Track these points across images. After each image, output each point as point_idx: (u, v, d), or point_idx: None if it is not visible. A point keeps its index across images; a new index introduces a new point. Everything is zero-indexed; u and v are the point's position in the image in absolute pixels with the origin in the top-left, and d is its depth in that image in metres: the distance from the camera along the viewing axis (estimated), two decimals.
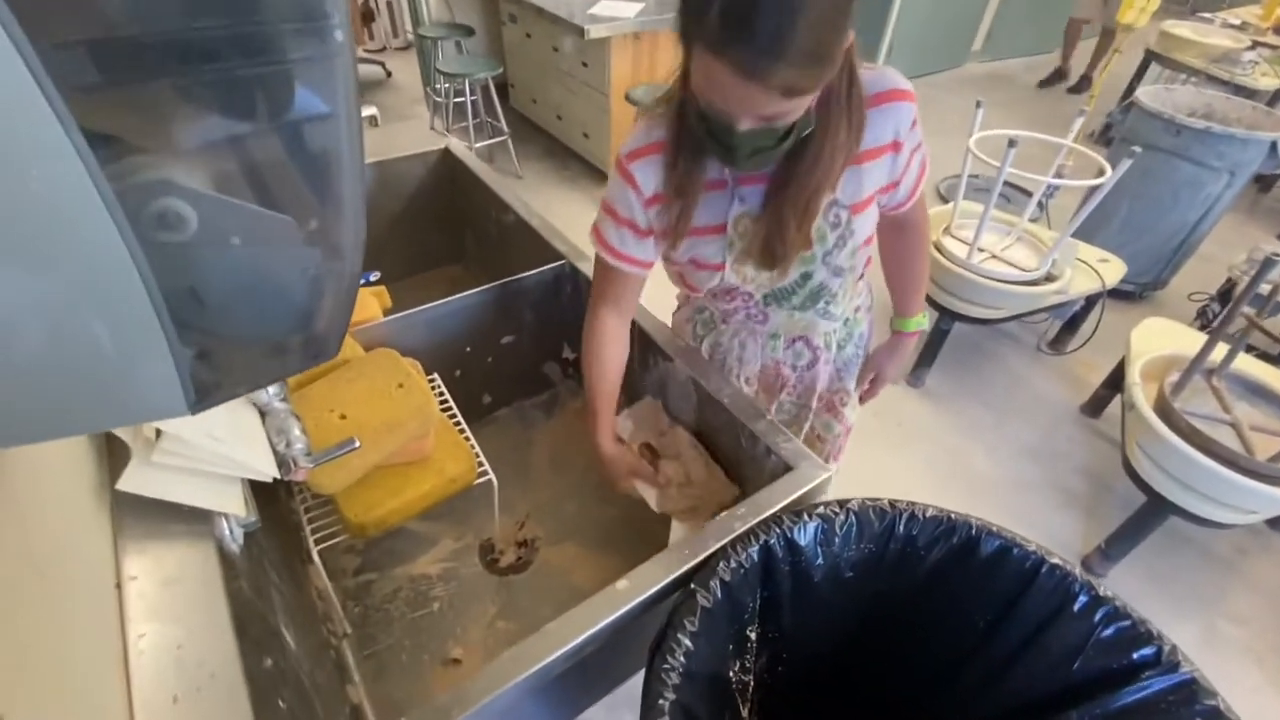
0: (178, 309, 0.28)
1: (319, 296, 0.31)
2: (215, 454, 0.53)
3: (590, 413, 0.97)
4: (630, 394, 1.23)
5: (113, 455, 0.56)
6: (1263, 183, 3.72)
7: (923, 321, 1.11)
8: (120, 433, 0.52)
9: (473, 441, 0.98)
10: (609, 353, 0.95)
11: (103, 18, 0.21)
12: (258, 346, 0.32)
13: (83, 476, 0.51)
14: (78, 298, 0.25)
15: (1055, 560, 0.73)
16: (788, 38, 0.56)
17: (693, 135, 0.75)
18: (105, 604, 0.46)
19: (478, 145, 3.35)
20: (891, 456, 2.08)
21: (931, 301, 2.14)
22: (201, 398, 0.30)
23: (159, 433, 0.52)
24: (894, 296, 1.09)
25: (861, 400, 1.20)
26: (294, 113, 0.26)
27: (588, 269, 1.19)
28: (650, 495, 1.01)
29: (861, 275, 0.98)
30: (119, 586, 0.47)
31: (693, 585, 0.69)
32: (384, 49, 4.98)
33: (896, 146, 0.80)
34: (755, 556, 0.73)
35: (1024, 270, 1.98)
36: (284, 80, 0.25)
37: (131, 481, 0.49)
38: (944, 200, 3.41)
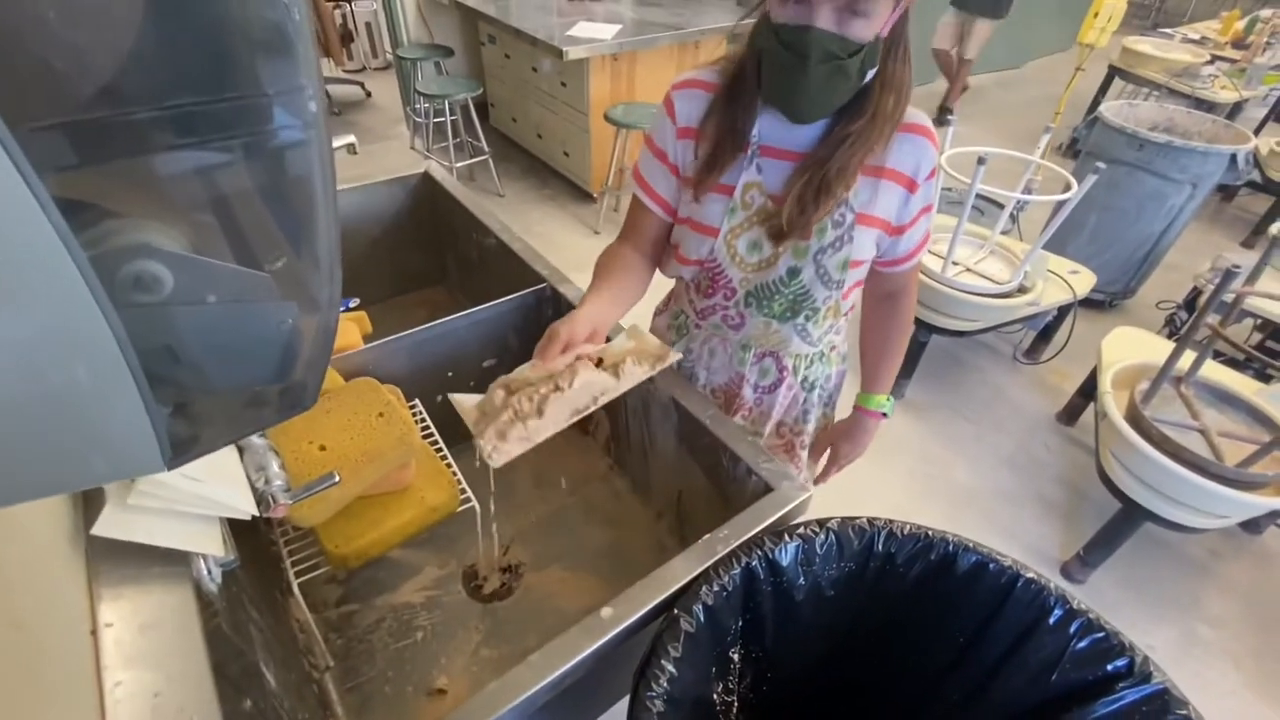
0: (153, 366, 0.28)
1: (296, 349, 0.31)
2: (192, 494, 0.53)
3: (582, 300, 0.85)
4: (611, 411, 1.23)
5: (88, 500, 0.55)
6: (1225, 192, 3.84)
7: (886, 405, 1.07)
8: None
9: (455, 469, 0.98)
10: (621, 265, 0.91)
11: (78, 101, 0.21)
12: (235, 400, 0.32)
13: (57, 522, 0.50)
14: (51, 360, 0.26)
15: (1030, 574, 0.75)
16: None
17: (746, 86, 0.79)
18: (81, 653, 0.45)
19: (459, 165, 3.36)
20: (873, 470, 2.10)
21: None
22: (179, 453, 0.30)
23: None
24: (864, 369, 1.08)
25: (817, 480, 1.18)
26: (269, 178, 0.27)
27: (569, 291, 1.20)
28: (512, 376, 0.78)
29: (845, 314, 0.98)
30: (94, 634, 0.46)
31: (676, 610, 0.70)
32: (363, 69, 4.99)
33: (912, 185, 0.83)
34: (738, 579, 0.74)
35: (997, 283, 2.03)
36: (259, 149, 0.26)
37: (107, 526, 0.48)
38: None
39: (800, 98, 0.74)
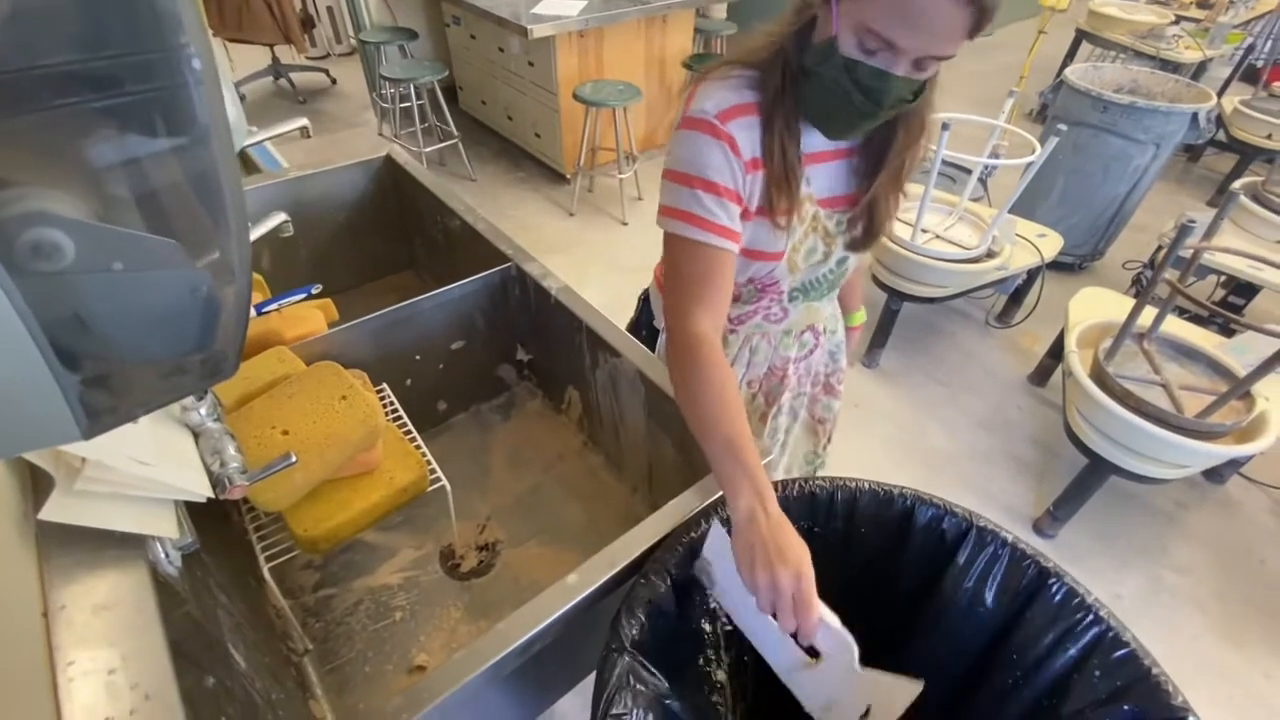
0: (62, 337, 0.28)
1: (211, 316, 0.32)
2: (142, 478, 0.53)
3: (731, 470, 0.65)
4: (583, 388, 1.24)
5: (37, 485, 0.55)
6: (1191, 152, 3.89)
7: (863, 317, 1.21)
8: (42, 461, 0.51)
9: (424, 449, 0.98)
10: (728, 377, 0.70)
11: None
12: (153, 369, 0.32)
13: (3, 507, 0.50)
14: None
15: (983, 523, 0.77)
16: None
17: (786, 101, 0.72)
18: (32, 634, 0.45)
19: (428, 150, 3.32)
20: (851, 438, 2.13)
21: (879, 283, 2.20)
22: (95, 422, 0.30)
23: (84, 460, 0.52)
24: (840, 299, 1.15)
25: None
26: (161, 140, 0.27)
27: (534, 269, 1.20)
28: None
29: None
30: (46, 616, 0.47)
31: (640, 577, 0.71)
32: (327, 56, 4.88)
33: None
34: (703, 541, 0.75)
35: (966, 248, 2.05)
36: (146, 109, 0.26)
37: (54, 511, 0.48)
38: None
39: (854, 129, 0.72)
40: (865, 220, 0.83)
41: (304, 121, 1.08)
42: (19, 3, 0.24)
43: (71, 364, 0.29)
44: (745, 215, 0.78)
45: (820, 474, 1.31)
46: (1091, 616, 0.69)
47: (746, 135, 0.73)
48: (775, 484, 0.80)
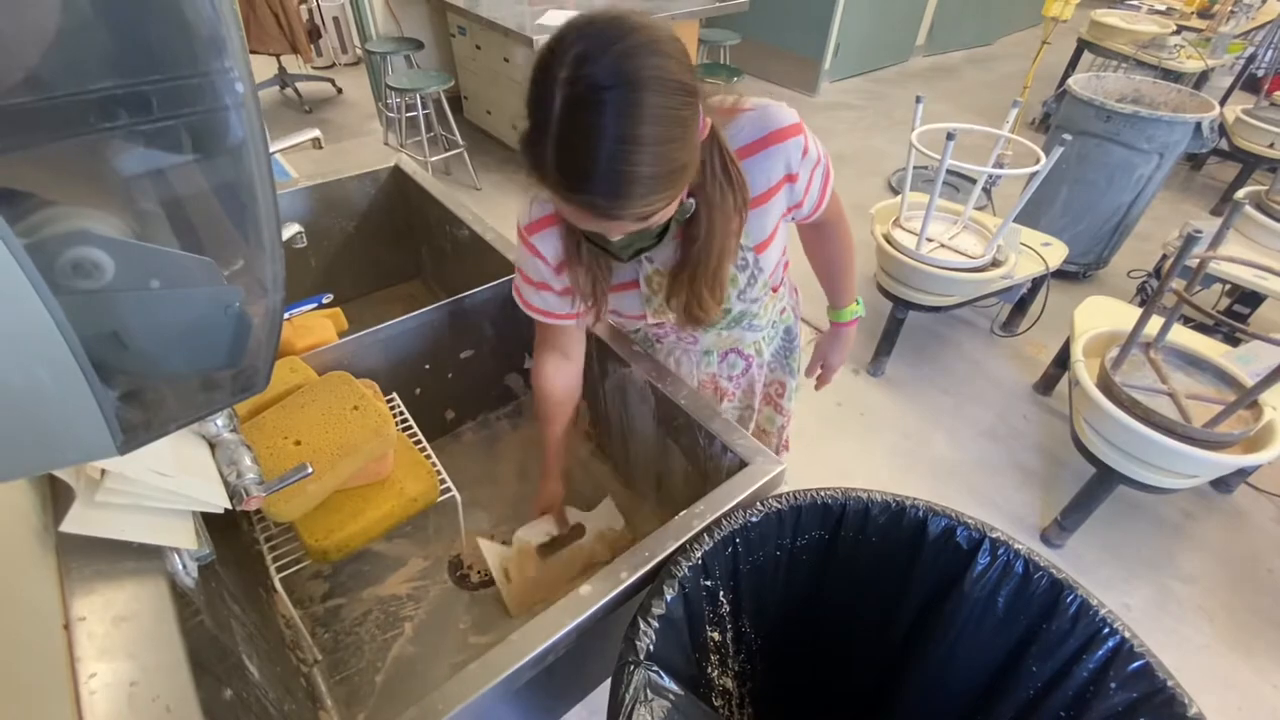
0: (100, 353, 0.29)
1: (244, 332, 0.32)
2: (161, 489, 0.53)
3: (543, 449, 1.08)
4: (591, 397, 1.24)
5: (56, 497, 0.56)
6: (1194, 161, 3.89)
7: (858, 310, 1.13)
8: (62, 474, 0.51)
9: (434, 459, 0.98)
10: (551, 394, 1.00)
11: (2, 86, 0.22)
12: (186, 384, 0.32)
13: (24, 520, 0.50)
14: None
15: (996, 534, 0.77)
16: (626, 184, 0.56)
17: None
18: (54, 646, 0.45)
19: (433, 159, 3.33)
20: (856, 446, 2.13)
21: (885, 291, 2.20)
22: (130, 437, 0.31)
23: (103, 472, 0.52)
24: (824, 290, 1.12)
25: (817, 387, 1.26)
26: (203, 162, 0.27)
27: None
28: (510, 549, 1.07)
29: (778, 287, 1.01)
30: (67, 628, 0.47)
31: (652, 587, 0.71)
32: (333, 65, 4.92)
33: (791, 178, 0.80)
34: (714, 552, 0.75)
35: (971, 257, 2.05)
36: (188, 132, 0.26)
37: (75, 523, 0.48)
38: (894, 192, 3.51)
39: (630, 257, 0.76)
40: (684, 294, 0.84)
41: (316, 132, 1.09)
42: (66, 28, 0.24)
43: (108, 380, 0.30)
44: (582, 294, 0.87)
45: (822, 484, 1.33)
46: (1107, 629, 0.68)
47: (549, 243, 0.82)
48: (789, 493, 0.80)
